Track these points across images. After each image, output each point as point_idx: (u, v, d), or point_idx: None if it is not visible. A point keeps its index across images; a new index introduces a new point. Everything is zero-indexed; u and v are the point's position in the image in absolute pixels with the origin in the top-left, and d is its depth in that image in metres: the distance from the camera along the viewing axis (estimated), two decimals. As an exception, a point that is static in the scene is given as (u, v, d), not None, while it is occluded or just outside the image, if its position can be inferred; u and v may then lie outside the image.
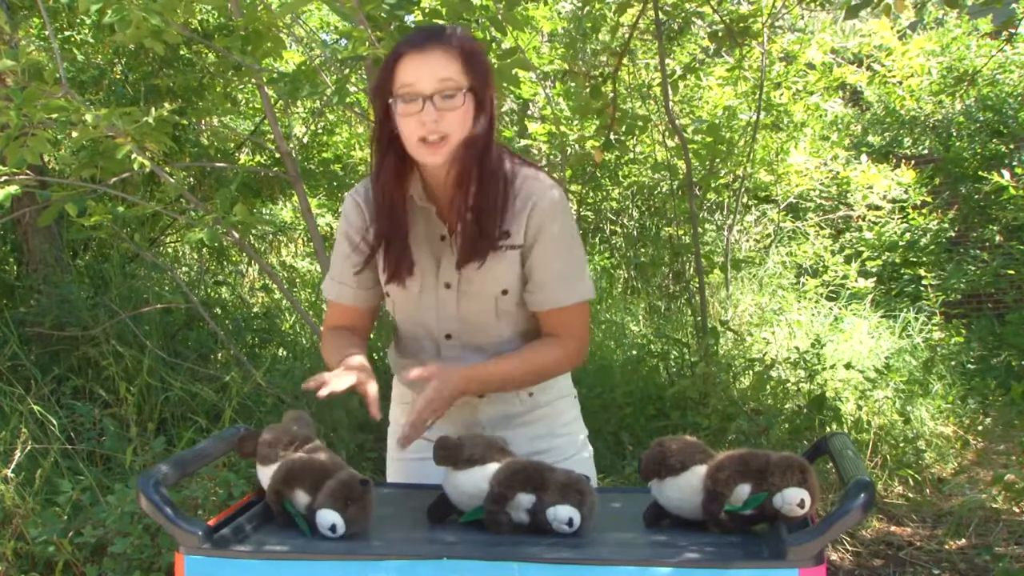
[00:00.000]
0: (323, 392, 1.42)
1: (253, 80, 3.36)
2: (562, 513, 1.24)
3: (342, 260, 1.65)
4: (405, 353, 1.69)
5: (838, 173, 7.21)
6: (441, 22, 1.61)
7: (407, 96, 1.45)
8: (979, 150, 7.24)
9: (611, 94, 4.47)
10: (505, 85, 2.98)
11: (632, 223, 7.01)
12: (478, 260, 1.54)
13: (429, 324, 1.62)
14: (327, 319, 1.72)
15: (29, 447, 3.09)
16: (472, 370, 1.55)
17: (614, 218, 7.10)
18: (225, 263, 6.10)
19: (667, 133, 5.84)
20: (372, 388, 1.50)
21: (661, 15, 4.62)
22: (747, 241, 7.02)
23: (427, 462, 1.40)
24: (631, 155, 6.46)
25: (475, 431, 1.64)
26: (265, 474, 1.35)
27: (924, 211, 7.45)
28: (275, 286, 4.81)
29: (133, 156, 2.88)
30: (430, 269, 1.58)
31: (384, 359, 4.22)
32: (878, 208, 7.41)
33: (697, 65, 5.52)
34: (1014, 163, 6.89)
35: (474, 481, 1.31)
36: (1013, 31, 6.00)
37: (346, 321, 1.70)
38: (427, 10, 3.02)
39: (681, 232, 5.95)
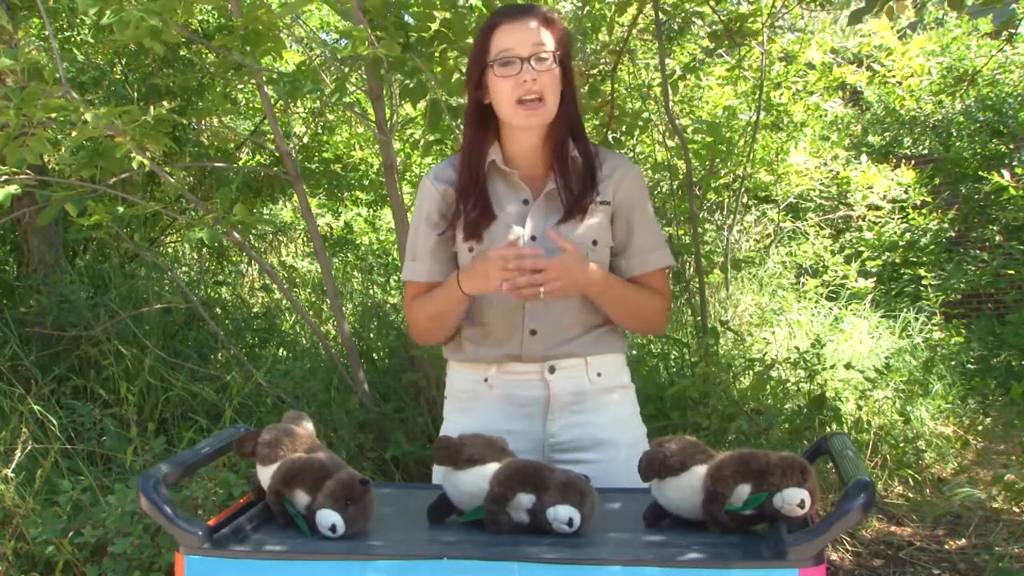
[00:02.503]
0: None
1: (253, 80, 3.35)
2: (562, 513, 1.24)
3: (421, 237, 1.71)
4: (481, 320, 1.70)
5: (838, 173, 7.21)
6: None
7: (504, 59, 1.57)
8: (979, 150, 7.23)
9: (609, 93, 4.47)
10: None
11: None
12: (580, 215, 1.64)
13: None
14: (406, 302, 1.76)
15: (29, 447, 3.09)
16: (603, 270, 1.63)
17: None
18: (225, 263, 6.09)
19: (667, 133, 5.84)
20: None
21: (661, 15, 4.62)
22: (747, 241, 7.01)
23: None
24: (631, 155, 6.45)
25: (535, 418, 1.67)
26: (265, 474, 1.35)
27: (924, 211, 7.45)
28: (275, 286, 4.81)
29: (132, 156, 2.88)
30: (515, 227, 1.64)
31: (385, 358, 4.21)
32: (878, 208, 7.41)
33: (697, 65, 5.50)
34: (1014, 163, 6.88)
35: (474, 481, 1.31)
36: (1013, 31, 5.99)
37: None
38: (422, 1, 3.02)
39: (681, 232, 5.94)
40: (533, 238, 1.64)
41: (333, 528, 1.24)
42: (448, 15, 2.91)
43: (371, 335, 4.53)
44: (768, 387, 4.35)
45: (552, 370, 1.67)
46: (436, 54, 2.99)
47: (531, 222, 1.65)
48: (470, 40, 2.92)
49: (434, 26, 2.91)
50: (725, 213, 6.53)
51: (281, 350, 4.71)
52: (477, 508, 1.30)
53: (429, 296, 1.69)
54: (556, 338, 1.67)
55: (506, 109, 1.60)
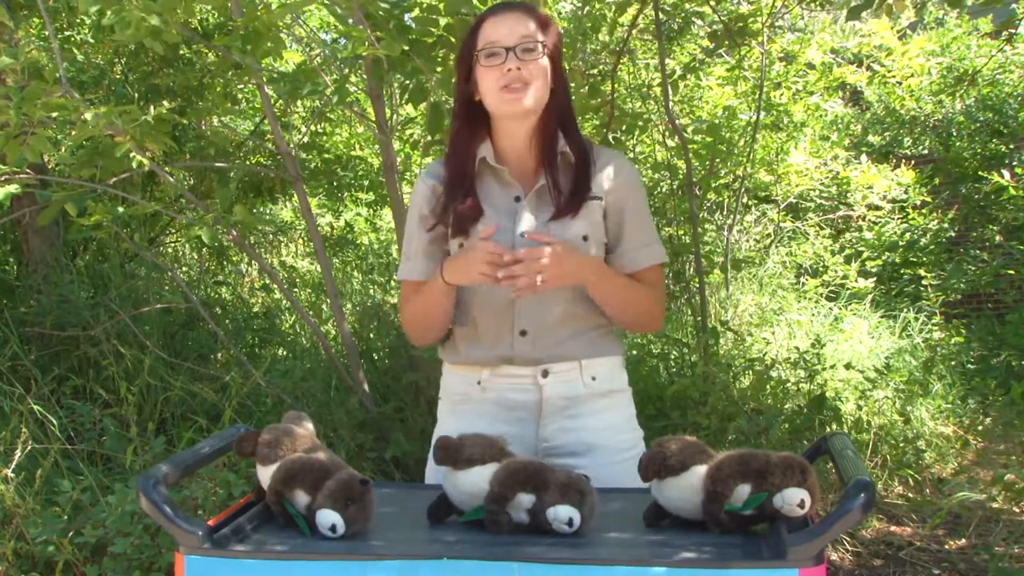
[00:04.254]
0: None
1: (253, 80, 3.35)
2: (562, 513, 1.24)
3: (414, 236, 1.72)
4: (472, 321, 1.70)
5: (838, 173, 7.21)
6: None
7: (489, 50, 1.58)
8: (979, 150, 7.23)
9: (609, 93, 4.47)
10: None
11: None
12: (572, 213, 1.62)
13: None
14: (401, 303, 1.78)
15: (29, 447, 3.09)
16: (599, 260, 1.63)
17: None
18: (225, 263, 6.09)
19: (667, 133, 5.83)
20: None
21: (661, 15, 4.62)
22: (747, 241, 7.01)
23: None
24: (631, 155, 6.45)
25: (528, 423, 1.67)
26: (265, 474, 1.35)
27: (924, 211, 7.45)
28: (275, 286, 4.80)
29: (132, 155, 2.88)
30: (506, 224, 1.63)
31: (385, 358, 4.21)
32: (878, 208, 7.41)
33: (697, 65, 5.50)
34: (1014, 163, 6.88)
35: (474, 481, 1.31)
36: (1013, 31, 6.00)
37: None
38: (424, 6, 3.02)
39: (681, 232, 5.94)
40: (523, 235, 1.62)
41: (333, 528, 1.23)
42: (451, 20, 2.91)
43: (371, 335, 4.53)
44: (768, 387, 4.35)
45: (545, 374, 1.66)
46: (438, 56, 2.99)
47: (522, 219, 1.64)
48: None
49: (436, 31, 2.91)
50: (725, 213, 6.53)
51: (281, 350, 4.71)
52: (477, 508, 1.30)
53: (418, 292, 1.69)
54: (548, 339, 1.65)
55: (492, 99, 1.60)
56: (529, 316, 1.65)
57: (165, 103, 3.00)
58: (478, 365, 1.68)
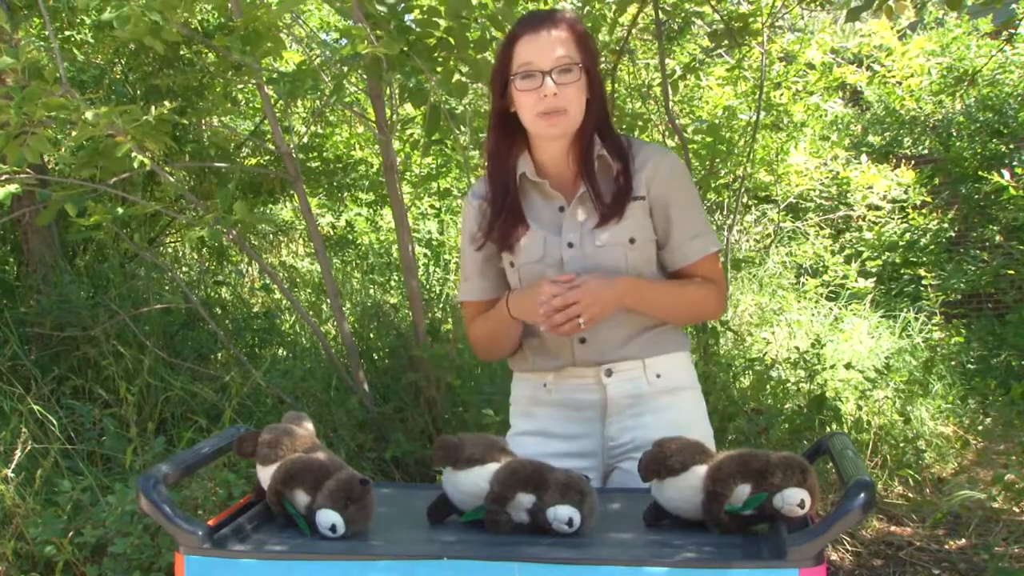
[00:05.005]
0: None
1: (253, 80, 3.35)
2: (562, 513, 1.24)
3: (468, 256, 1.74)
4: (535, 332, 1.70)
5: (838, 173, 7.21)
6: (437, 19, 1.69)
7: (526, 73, 1.56)
8: (979, 150, 7.23)
9: (610, 93, 4.47)
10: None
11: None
12: (617, 217, 1.62)
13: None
14: (466, 322, 1.80)
15: (29, 447, 3.09)
16: (631, 278, 1.61)
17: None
18: (225, 263, 6.09)
19: (667, 133, 5.84)
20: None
21: (661, 15, 4.62)
22: (747, 241, 7.02)
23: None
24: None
25: (595, 419, 1.69)
26: (265, 474, 1.35)
27: (924, 211, 7.45)
28: (275, 286, 4.80)
29: (133, 155, 2.88)
30: (552, 236, 1.64)
31: (385, 358, 4.20)
32: (878, 208, 7.40)
33: (697, 65, 5.50)
34: (1014, 163, 6.88)
35: (474, 481, 1.31)
36: (1013, 31, 5.99)
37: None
38: (425, 7, 3.02)
39: (681, 232, 5.93)
40: (570, 244, 1.64)
41: (333, 528, 1.23)
42: (451, 24, 2.91)
43: (371, 335, 4.53)
44: (768, 387, 4.35)
45: (609, 373, 1.67)
46: (438, 58, 2.99)
47: (567, 229, 1.65)
48: (472, 51, 2.92)
49: (437, 32, 2.91)
50: (725, 213, 6.53)
51: (281, 350, 4.71)
52: (477, 508, 1.30)
53: (485, 317, 1.72)
54: (608, 343, 1.66)
55: (529, 120, 1.60)
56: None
57: (165, 103, 2.99)
58: (543, 370, 1.71)
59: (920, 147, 7.72)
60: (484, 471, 1.30)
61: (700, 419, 1.76)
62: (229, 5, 3.14)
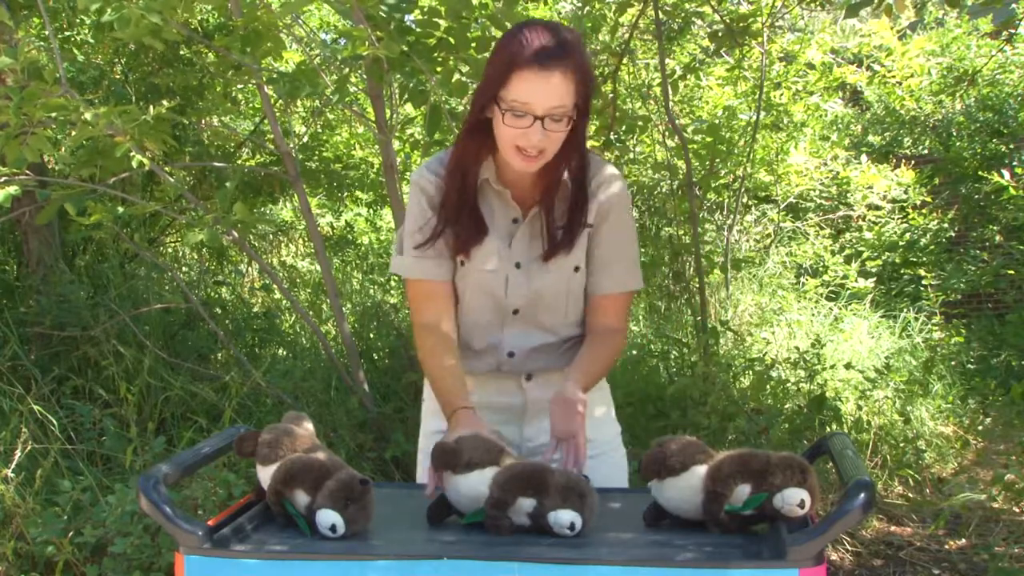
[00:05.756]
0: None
1: (253, 80, 3.36)
2: (563, 518, 1.24)
3: (424, 231, 1.63)
4: (468, 332, 1.69)
5: (838, 173, 7.21)
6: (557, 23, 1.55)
7: (517, 110, 1.48)
8: (979, 150, 7.23)
9: (611, 94, 4.47)
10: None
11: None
12: (567, 248, 1.61)
13: (499, 297, 1.65)
14: (417, 306, 1.68)
15: (29, 447, 3.09)
16: (577, 385, 1.56)
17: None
18: (225, 263, 6.09)
19: (667, 133, 5.84)
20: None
21: (661, 15, 4.62)
22: (747, 241, 7.01)
23: None
24: (631, 155, 6.45)
25: (513, 422, 1.68)
26: (265, 474, 1.35)
27: (924, 211, 7.45)
28: (275, 286, 4.81)
29: (132, 155, 2.88)
30: (503, 248, 1.63)
31: (385, 358, 4.20)
32: (878, 208, 7.40)
33: (697, 65, 5.51)
34: (1014, 163, 6.88)
35: (473, 485, 1.30)
36: (1013, 31, 5.99)
37: (439, 305, 1.66)
38: (426, 8, 3.02)
39: (681, 232, 5.95)
40: (518, 264, 1.63)
41: (333, 528, 1.23)
42: (452, 24, 2.91)
43: (371, 335, 4.53)
44: (768, 387, 4.35)
45: (529, 377, 1.70)
46: (438, 58, 2.99)
47: (516, 247, 1.63)
48: (472, 51, 2.91)
49: (438, 33, 2.91)
50: (725, 213, 6.53)
51: (281, 350, 4.71)
52: (478, 511, 1.30)
53: (438, 379, 1.62)
54: (534, 358, 1.69)
55: (505, 148, 1.54)
56: (517, 343, 1.68)
57: (165, 103, 3.00)
58: (467, 374, 1.68)
59: (920, 147, 7.72)
60: (484, 475, 1.30)
61: (610, 418, 1.79)
62: (229, 5, 3.14)
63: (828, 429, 3.96)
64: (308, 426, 1.44)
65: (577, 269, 1.64)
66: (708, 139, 5.60)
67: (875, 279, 6.99)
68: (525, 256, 1.63)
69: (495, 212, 1.64)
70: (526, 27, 1.51)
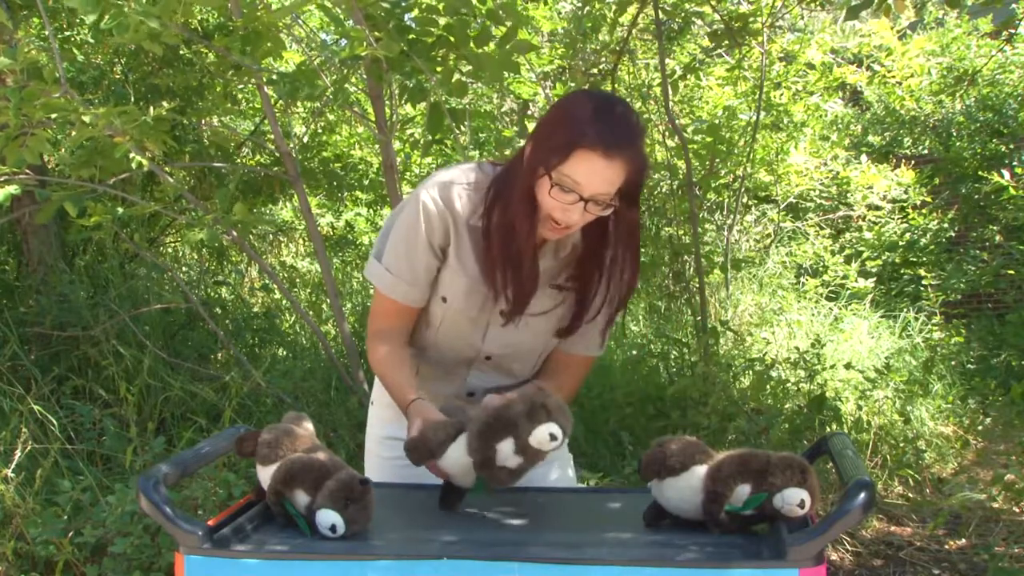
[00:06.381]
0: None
1: (253, 80, 3.36)
2: (542, 433, 1.26)
3: (418, 263, 1.57)
4: (430, 361, 1.67)
5: (838, 173, 7.21)
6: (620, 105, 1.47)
7: (567, 186, 1.42)
8: (979, 150, 7.23)
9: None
10: (506, 80, 2.98)
11: (632, 223, 7.00)
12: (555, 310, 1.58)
13: (475, 343, 1.63)
14: (380, 317, 1.64)
15: (29, 447, 3.09)
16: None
17: (614, 218, 7.09)
18: (225, 263, 6.09)
19: (667, 133, 5.84)
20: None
21: (661, 15, 4.62)
22: (747, 241, 7.01)
23: (409, 465, 1.43)
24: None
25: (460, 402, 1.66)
26: (265, 474, 1.35)
27: (924, 211, 7.45)
28: (275, 286, 4.81)
29: (132, 155, 2.88)
30: (489, 295, 1.57)
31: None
32: (878, 208, 7.41)
33: (697, 65, 5.51)
34: (1014, 163, 6.88)
35: (456, 459, 1.33)
36: (1013, 31, 5.99)
37: (403, 322, 1.64)
38: (424, 6, 3.02)
39: (681, 232, 5.95)
40: (502, 313, 1.60)
41: (333, 528, 1.24)
42: (451, 21, 2.91)
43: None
44: (768, 387, 4.35)
45: (498, 390, 1.67)
46: (437, 56, 2.99)
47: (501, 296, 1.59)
48: (472, 46, 2.91)
49: (436, 30, 2.91)
50: (725, 213, 6.53)
51: (281, 350, 4.71)
52: (477, 482, 1.32)
53: (388, 376, 1.60)
54: (503, 378, 1.68)
55: (540, 210, 1.48)
56: (478, 382, 1.67)
57: (165, 103, 3.00)
58: (437, 394, 1.65)
59: (920, 147, 7.73)
60: (459, 446, 1.34)
61: None
62: (229, 6, 3.14)
63: (828, 429, 3.96)
64: (308, 426, 1.44)
65: (557, 332, 1.62)
66: (708, 139, 5.60)
67: (875, 279, 6.99)
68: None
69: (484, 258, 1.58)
70: (597, 102, 1.45)
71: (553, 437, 1.26)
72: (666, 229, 6.38)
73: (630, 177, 1.44)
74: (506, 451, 1.28)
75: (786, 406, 4.18)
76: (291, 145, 3.85)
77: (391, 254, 1.60)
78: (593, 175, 1.41)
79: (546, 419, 1.27)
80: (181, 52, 4.80)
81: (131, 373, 3.76)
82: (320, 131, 6.11)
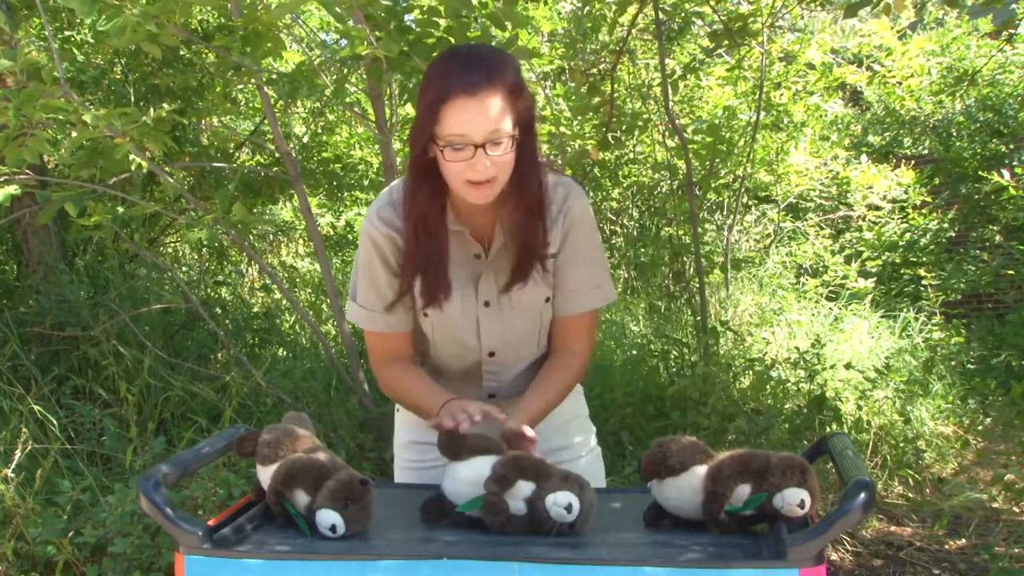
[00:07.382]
0: (465, 427, 1.39)
1: (253, 80, 3.36)
2: (561, 498, 1.24)
3: (386, 290, 1.59)
4: (442, 374, 1.67)
5: (838, 173, 7.21)
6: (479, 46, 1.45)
7: (456, 143, 1.42)
8: (979, 150, 7.23)
9: (609, 93, 4.47)
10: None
11: (632, 223, 7.01)
12: (521, 282, 1.57)
13: (471, 343, 1.62)
14: (376, 351, 1.65)
15: (29, 447, 3.09)
16: (526, 418, 1.52)
17: (614, 218, 7.10)
18: (225, 263, 6.09)
19: (667, 133, 5.84)
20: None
21: (661, 15, 4.62)
22: (747, 241, 7.02)
23: (433, 469, 1.40)
24: (631, 155, 6.46)
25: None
26: (265, 474, 1.35)
27: (924, 211, 7.45)
28: (275, 286, 4.81)
29: (132, 156, 2.88)
30: (468, 290, 1.58)
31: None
32: (878, 208, 7.41)
33: (697, 65, 5.51)
34: (1014, 163, 6.88)
35: (474, 468, 1.31)
36: (1013, 31, 6.00)
37: (399, 348, 1.64)
38: (425, 8, 3.02)
39: (681, 232, 5.95)
40: (487, 303, 1.59)
41: (333, 528, 1.24)
42: (451, 23, 2.90)
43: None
44: (768, 387, 4.35)
45: (492, 396, 1.68)
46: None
47: (484, 286, 1.59)
48: None
49: (437, 32, 2.91)
50: (725, 213, 6.53)
51: (281, 350, 4.71)
52: (475, 499, 1.30)
53: (408, 391, 1.61)
54: (513, 386, 1.67)
55: (456, 185, 1.48)
56: (494, 380, 1.66)
57: (165, 104, 3.00)
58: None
59: (920, 147, 7.73)
60: (486, 460, 1.31)
61: (587, 420, 1.80)
62: (228, 6, 3.14)
63: (828, 429, 3.96)
64: (308, 426, 1.44)
65: (548, 300, 1.61)
66: (708, 139, 5.60)
67: (875, 279, 6.99)
68: (493, 293, 1.59)
69: (455, 253, 1.58)
70: (448, 57, 1.47)
71: (569, 508, 1.24)
72: (666, 229, 6.39)
73: (509, 103, 1.43)
74: (522, 491, 1.26)
75: (786, 406, 4.18)
76: (291, 145, 3.85)
77: (361, 292, 1.62)
78: (470, 120, 1.41)
79: (576, 492, 1.25)
80: (181, 53, 4.80)
81: (131, 373, 3.76)
82: (320, 131, 6.11)
